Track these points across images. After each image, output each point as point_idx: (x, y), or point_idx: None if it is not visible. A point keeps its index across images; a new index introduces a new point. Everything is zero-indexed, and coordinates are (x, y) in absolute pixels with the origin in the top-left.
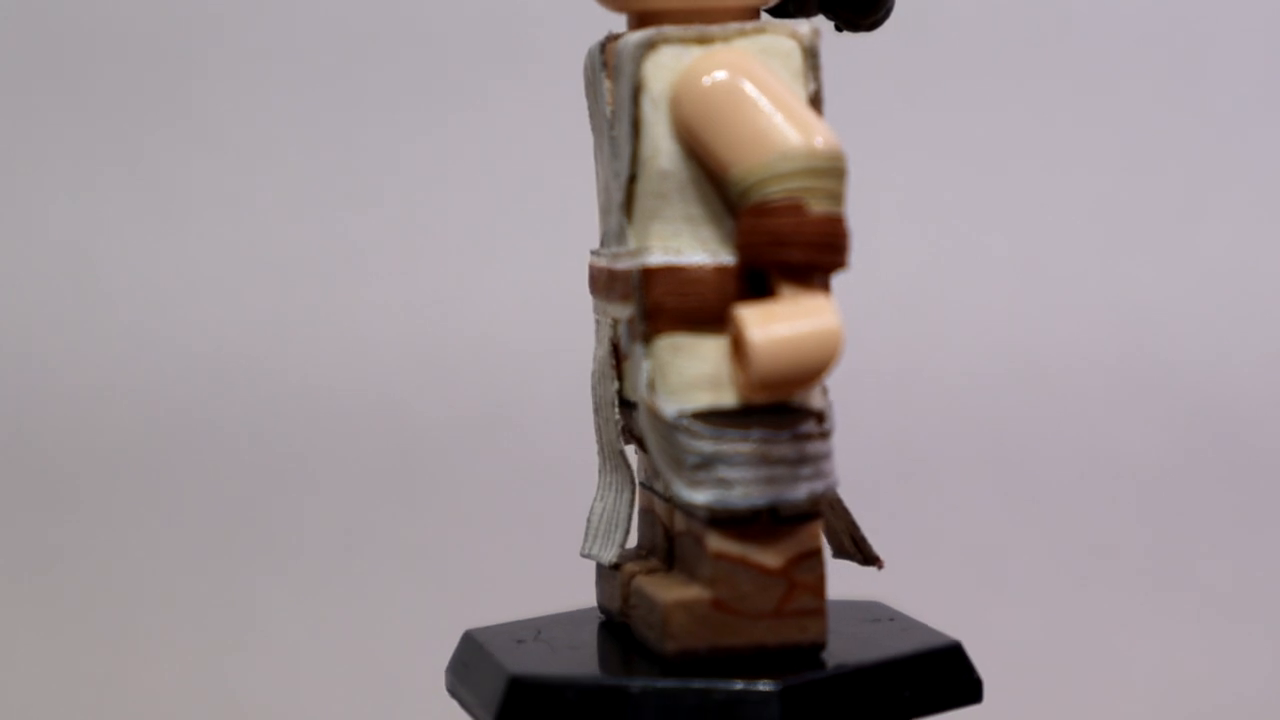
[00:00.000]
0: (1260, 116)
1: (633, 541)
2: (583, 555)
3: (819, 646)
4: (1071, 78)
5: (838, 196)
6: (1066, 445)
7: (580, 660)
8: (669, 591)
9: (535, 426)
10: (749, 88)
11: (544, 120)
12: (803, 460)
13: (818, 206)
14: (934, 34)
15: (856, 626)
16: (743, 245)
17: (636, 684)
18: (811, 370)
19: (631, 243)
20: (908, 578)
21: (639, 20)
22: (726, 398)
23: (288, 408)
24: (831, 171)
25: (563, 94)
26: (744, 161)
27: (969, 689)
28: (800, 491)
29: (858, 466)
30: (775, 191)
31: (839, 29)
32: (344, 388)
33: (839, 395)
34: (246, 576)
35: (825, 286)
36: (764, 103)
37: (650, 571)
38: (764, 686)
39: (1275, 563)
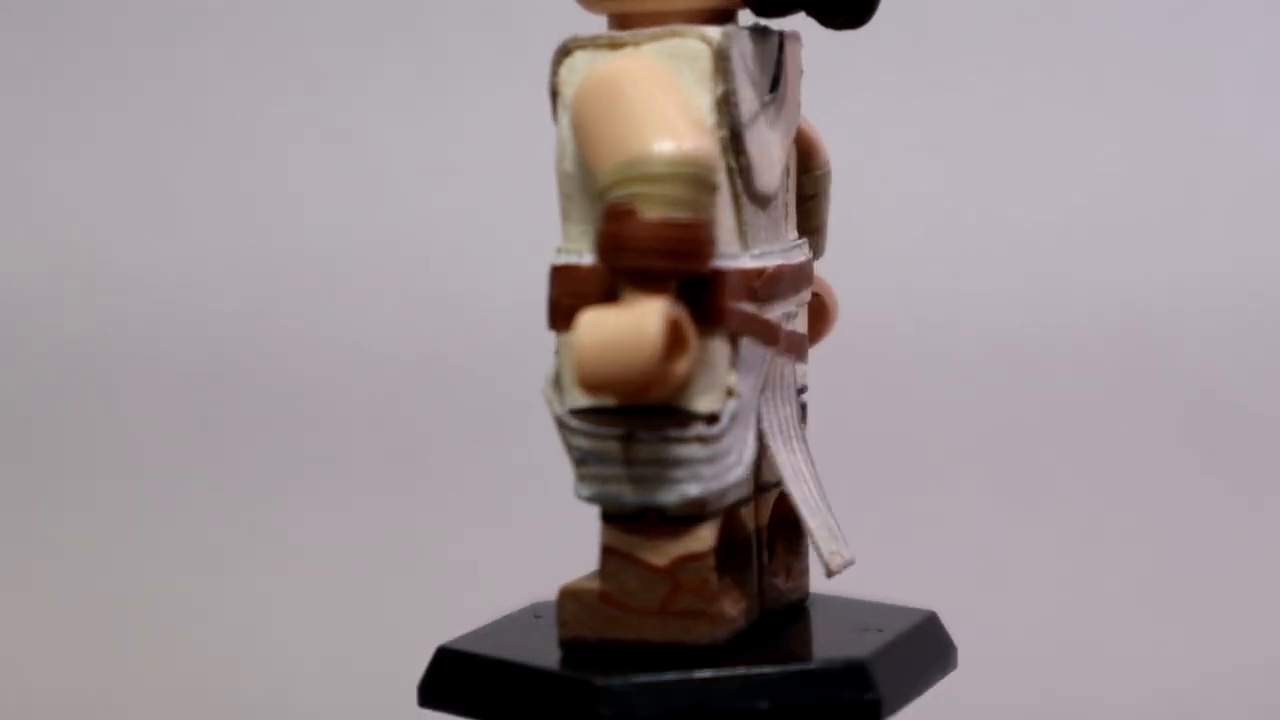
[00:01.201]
0: (1261, 116)
1: None
2: None
3: (715, 647)
4: (1072, 74)
5: (679, 202)
6: (1067, 440)
7: (524, 642)
8: (572, 582)
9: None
10: (621, 93)
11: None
12: (676, 463)
13: (652, 212)
14: (935, 28)
15: (834, 632)
16: (597, 249)
17: (529, 665)
18: (622, 374)
19: (560, 242)
20: (923, 574)
21: (617, 22)
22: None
23: (292, 398)
24: (674, 178)
25: None
26: (599, 166)
27: (863, 711)
28: (671, 495)
29: (856, 460)
30: (617, 196)
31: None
32: (349, 380)
33: (841, 387)
34: (249, 571)
35: (669, 290)
36: (631, 109)
37: None
38: (590, 680)
39: (1273, 558)
